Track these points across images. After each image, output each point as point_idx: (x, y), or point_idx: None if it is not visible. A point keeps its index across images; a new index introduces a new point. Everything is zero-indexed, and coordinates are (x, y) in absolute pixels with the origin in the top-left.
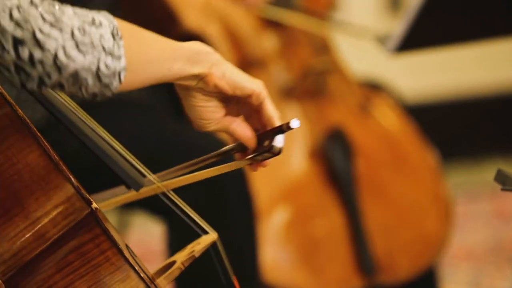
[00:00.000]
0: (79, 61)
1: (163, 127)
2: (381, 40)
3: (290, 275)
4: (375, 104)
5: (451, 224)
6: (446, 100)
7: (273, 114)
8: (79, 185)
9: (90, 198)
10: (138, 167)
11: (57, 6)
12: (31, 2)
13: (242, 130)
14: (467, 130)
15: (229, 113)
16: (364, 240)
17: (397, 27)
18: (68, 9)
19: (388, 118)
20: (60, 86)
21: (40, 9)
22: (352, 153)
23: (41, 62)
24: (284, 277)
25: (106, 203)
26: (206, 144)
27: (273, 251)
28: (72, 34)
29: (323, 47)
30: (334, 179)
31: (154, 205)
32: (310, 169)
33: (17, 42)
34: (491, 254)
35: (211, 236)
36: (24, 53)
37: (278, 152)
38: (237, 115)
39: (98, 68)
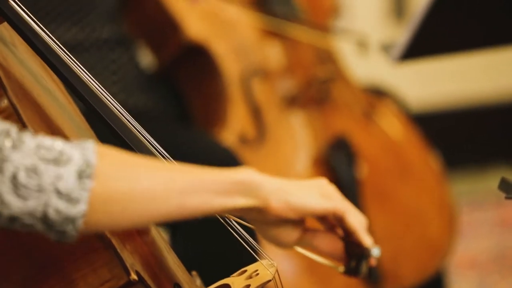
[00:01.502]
0: (16, 206)
1: (174, 138)
2: (385, 48)
3: (296, 285)
4: (379, 112)
5: (456, 231)
6: (450, 107)
7: (357, 228)
8: (120, 253)
9: (129, 268)
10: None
11: (16, 140)
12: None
13: (327, 245)
14: (471, 138)
15: (307, 227)
16: None
17: (401, 35)
18: (31, 143)
19: (392, 125)
20: (8, 225)
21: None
22: (357, 160)
23: None
24: (291, 286)
25: None
26: (221, 154)
27: (279, 261)
28: (14, 177)
29: (327, 55)
30: (338, 186)
31: None
32: (315, 177)
33: None
34: (495, 263)
35: (271, 268)
36: None
37: (365, 277)
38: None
39: (45, 214)
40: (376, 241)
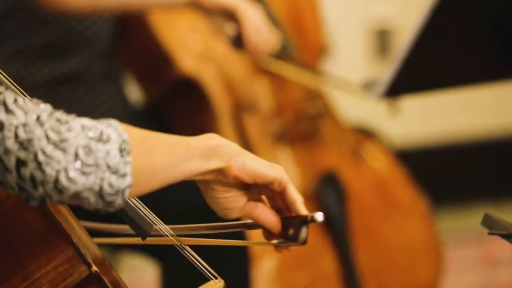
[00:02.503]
0: (80, 183)
1: None
2: (369, 86)
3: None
4: (366, 149)
5: (443, 269)
6: (433, 145)
7: (296, 199)
8: (79, 247)
9: (90, 262)
10: (149, 215)
11: (64, 122)
12: (38, 119)
13: (266, 216)
14: (454, 175)
15: (251, 198)
16: (356, 285)
17: (385, 72)
18: (76, 124)
19: (379, 162)
20: (61, 202)
21: (46, 126)
22: (345, 197)
23: (43, 184)
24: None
25: (109, 240)
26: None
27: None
28: (76, 155)
29: (315, 92)
30: (327, 223)
31: (150, 247)
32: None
33: (20, 163)
34: None
35: (218, 284)
36: (26, 174)
37: (304, 242)
38: (259, 198)
39: (101, 188)
40: (364, 278)
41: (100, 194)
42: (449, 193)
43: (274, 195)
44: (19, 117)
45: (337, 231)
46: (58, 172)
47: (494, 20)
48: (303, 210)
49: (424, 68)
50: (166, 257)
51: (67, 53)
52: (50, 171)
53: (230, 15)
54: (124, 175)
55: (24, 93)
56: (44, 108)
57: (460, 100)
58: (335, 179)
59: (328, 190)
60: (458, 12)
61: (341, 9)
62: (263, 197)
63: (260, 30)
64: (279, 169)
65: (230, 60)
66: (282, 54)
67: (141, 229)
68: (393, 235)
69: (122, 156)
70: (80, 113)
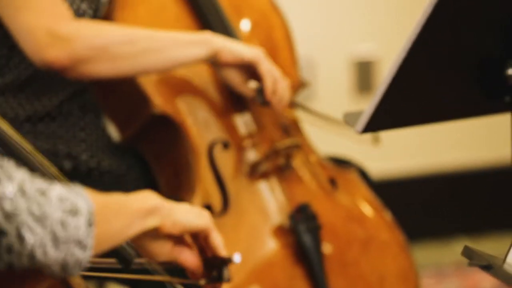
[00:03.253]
0: (53, 258)
1: None
2: (349, 120)
3: None
4: (343, 181)
5: None
6: (412, 179)
7: (218, 245)
8: (69, 281)
9: None
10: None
11: (43, 193)
12: (22, 191)
13: (191, 261)
14: (432, 210)
15: (176, 242)
16: None
17: (366, 107)
18: (53, 194)
19: (356, 195)
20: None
21: (29, 198)
22: (320, 230)
23: (18, 254)
24: None
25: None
26: None
27: None
28: (53, 231)
29: (291, 125)
30: (302, 256)
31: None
32: (278, 247)
33: (1, 233)
34: None
35: None
36: (3, 243)
37: (228, 280)
38: (183, 240)
39: (67, 262)
40: None
41: (64, 267)
42: (427, 225)
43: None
44: (5, 186)
45: (311, 264)
46: (35, 247)
47: (475, 53)
48: (223, 253)
49: (404, 103)
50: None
51: (47, 88)
52: (28, 245)
53: (248, 68)
54: (85, 247)
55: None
56: (24, 176)
57: (438, 133)
58: (309, 211)
59: (303, 224)
60: (438, 46)
61: (324, 45)
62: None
63: (279, 81)
64: (205, 216)
65: (206, 96)
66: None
67: (125, 259)
68: (369, 267)
69: (88, 229)
70: (62, 149)
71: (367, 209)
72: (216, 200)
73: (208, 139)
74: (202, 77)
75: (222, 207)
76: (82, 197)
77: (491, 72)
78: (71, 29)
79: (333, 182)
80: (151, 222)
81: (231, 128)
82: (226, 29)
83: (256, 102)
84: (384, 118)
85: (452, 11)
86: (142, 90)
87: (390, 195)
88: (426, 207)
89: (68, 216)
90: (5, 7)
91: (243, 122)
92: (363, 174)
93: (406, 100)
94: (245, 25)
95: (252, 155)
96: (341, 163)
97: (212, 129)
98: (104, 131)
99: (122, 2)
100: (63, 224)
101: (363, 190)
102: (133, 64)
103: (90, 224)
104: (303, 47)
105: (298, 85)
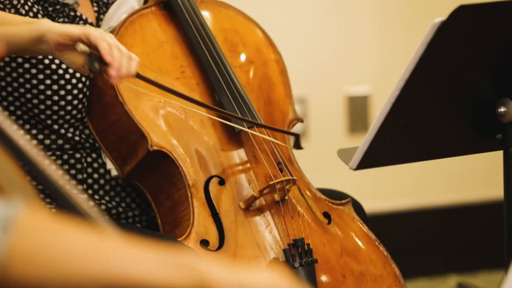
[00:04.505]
0: None
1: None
2: (343, 156)
3: None
4: (337, 215)
5: None
6: (405, 217)
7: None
8: None
9: None
10: None
11: None
12: None
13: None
14: (424, 246)
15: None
16: None
17: (359, 145)
18: None
19: (350, 228)
20: None
21: None
22: (315, 263)
23: None
24: None
25: None
26: None
27: None
28: None
29: (287, 159)
30: None
31: None
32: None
33: None
34: None
35: None
36: None
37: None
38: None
39: None
40: None
41: None
42: (419, 262)
43: None
44: None
45: None
46: None
47: (467, 92)
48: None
49: (398, 140)
50: None
51: (41, 126)
52: None
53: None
54: None
55: None
56: None
57: (431, 169)
58: (305, 245)
59: (297, 256)
60: (430, 86)
61: (318, 84)
62: None
63: (118, 47)
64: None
65: (201, 131)
66: (250, 124)
67: None
68: None
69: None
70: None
71: (362, 243)
72: (212, 235)
73: (204, 175)
74: (198, 114)
75: (218, 241)
76: (9, 205)
77: (483, 111)
78: None
79: (327, 216)
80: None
81: (227, 164)
82: (220, 65)
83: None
84: (378, 155)
85: (443, 52)
86: (140, 127)
87: (383, 230)
88: (418, 243)
89: None
90: None
91: (238, 158)
92: (358, 208)
93: (399, 138)
94: (240, 60)
95: (247, 191)
96: (336, 197)
97: (208, 165)
98: (103, 165)
99: (119, 39)
100: None
101: (358, 223)
102: None
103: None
104: (297, 85)
105: (293, 120)
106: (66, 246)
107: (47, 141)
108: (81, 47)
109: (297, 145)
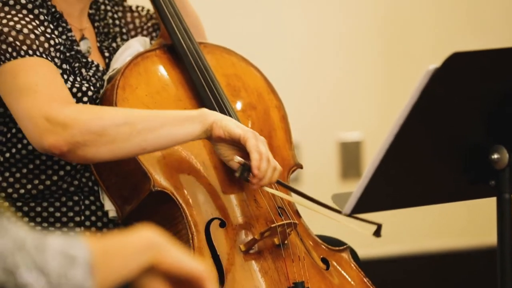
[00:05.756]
0: None
1: None
2: (338, 201)
3: None
4: (335, 260)
5: None
6: (402, 257)
7: None
8: None
9: None
10: None
11: (42, 249)
12: (20, 246)
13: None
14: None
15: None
16: None
17: (353, 190)
18: (51, 249)
19: (348, 274)
20: None
21: (27, 251)
22: None
23: None
24: None
25: None
26: None
27: None
28: (53, 283)
29: (287, 205)
30: None
31: None
32: None
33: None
34: None
35: None
36: None
37: None
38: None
39: None
40: None
41: None
42: None
43: None
44: (7, 243)
45: None
46: None
47: (460, 139)
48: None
49: (391, 186)
50: None
51: (43, 167)
52: None
53: (237, 144)
54: None
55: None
56: (25, 234)
57: (423, 214)
58: None
59: None
60: (423, 132)
61: (311, 131)
62: None
63: (268, 158)
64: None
65: (203, 174)
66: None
67: None
68: None
69: (86, 277)
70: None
71: None
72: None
73: (206, 216)
74: (201, 156)
75: (218, 283)
76: (79, 246)
77: (476, 157)
78: (67, 115)
79: (326, 261)
80: (144, 260)
81: (228, 207)
82: (224, 109)
83: (241, 178)
84: (372, 200)
85: (437, 98)
86: (143, 168)
87: (380, 275)
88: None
89: (66, 265)
90: (7, 94)
91: (240, 201)
92: (353, 254)
93: (392, 183)
94: (242, 105)
95: (248, 234)
96: (334, 243)
97: (209, 207)
98: (102, 207)
99: (123, 82)
100: (62, 276)
101: (355, 269)
102: (132, 145)
103: (88, 272)
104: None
105: (292, 166)
106: (115, 266)
107: (48, 182)
108: (238, 159)
109: (377, 234)
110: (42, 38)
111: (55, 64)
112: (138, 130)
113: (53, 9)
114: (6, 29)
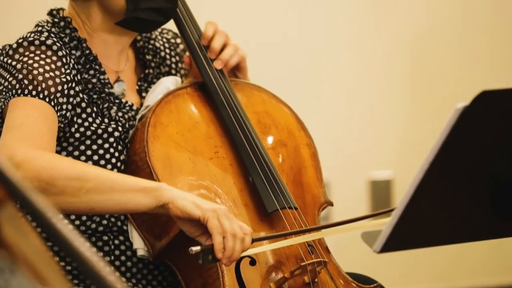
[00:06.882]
0: None
1: None
2: (367, 239)
3: None
4: None
5: None
6: None
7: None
8: None
9: None
10: None
11: None
12: None
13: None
14: None
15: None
16: None
17: (383, 228)
18: None
19: None
20: None
21: None
22: None
23: None
24: None
25: None
26: None
27: None
28: None
29: (317, 240)
30: None
31: None
32: None
33: None
34: None
35: None
36: None
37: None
38: None
39: None
40: None
41: None
42: None
43: None
44: None
45: None
46: None
47: (489, 176)
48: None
49: (420, 224)
50: None
51: None
52: None
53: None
54: None
55: None
56: None
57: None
58: None
59: None
60: (453, 170)
61: (342, 169)
62: None
63: (233, 234)
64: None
65: (233, 211)
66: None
67: None
68: None
69: None
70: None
71: None
72: None
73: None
74: (231, 193)
75: None
76: None
77: (505, 195)
78: (24, 158)
79: None
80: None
81: (258, 245)
82: (253, 147)
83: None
84: (402, 238)
85: (466, 136)
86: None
87: None
88: None
89: None
90: (4, 126)
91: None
92: None
93: (423, 221)
94: (272, 142)
95: (278, 272)
96: (362, 281)
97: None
98: (131, 252)
99: (154, 120)
100: None
101: None
102: (79, 202)
103: None
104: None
105: (323, 203)
106: None
107: (77, 222)
108: (193, 249)
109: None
110: (50, 82)
111: (61, 108)
112: (87, 189)
113: (87, 51)
114: (19, 66)
